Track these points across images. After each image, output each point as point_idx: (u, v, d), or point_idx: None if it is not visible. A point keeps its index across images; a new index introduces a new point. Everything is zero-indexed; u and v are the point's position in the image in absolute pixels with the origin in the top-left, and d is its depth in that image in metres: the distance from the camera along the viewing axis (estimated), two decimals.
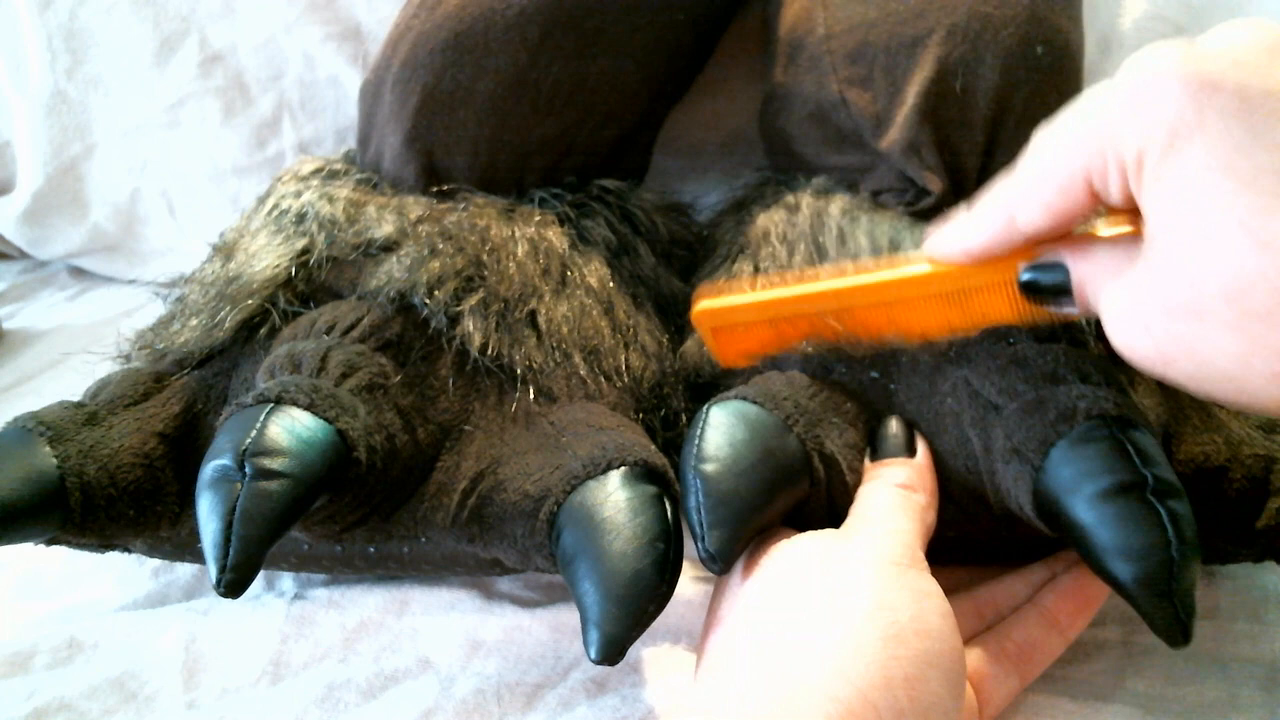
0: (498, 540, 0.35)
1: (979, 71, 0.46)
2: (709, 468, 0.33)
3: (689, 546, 0.32)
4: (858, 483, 0.36)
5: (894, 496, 0.34)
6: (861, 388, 0.39)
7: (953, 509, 0.36)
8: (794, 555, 0.32)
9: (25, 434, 0.34)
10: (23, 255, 0.78)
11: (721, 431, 0.34)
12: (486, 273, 0.43)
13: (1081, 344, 0.37)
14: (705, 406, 0.35)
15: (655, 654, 0.38)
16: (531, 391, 0.39)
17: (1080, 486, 0.29)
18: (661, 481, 0.33)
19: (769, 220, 0.48)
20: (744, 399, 0.35)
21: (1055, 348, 0.35)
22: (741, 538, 0.32)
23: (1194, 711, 0.34)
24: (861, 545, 0.32)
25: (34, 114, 0.70)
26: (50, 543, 0.36)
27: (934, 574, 0.32)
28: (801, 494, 0.34)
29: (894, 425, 0.37)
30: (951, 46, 0.46)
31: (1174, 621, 0.28)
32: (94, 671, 0.38)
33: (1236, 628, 0.37)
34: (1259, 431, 0.36)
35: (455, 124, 0.49)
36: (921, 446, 0.36)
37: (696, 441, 0.34)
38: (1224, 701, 0.34)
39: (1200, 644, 0.36)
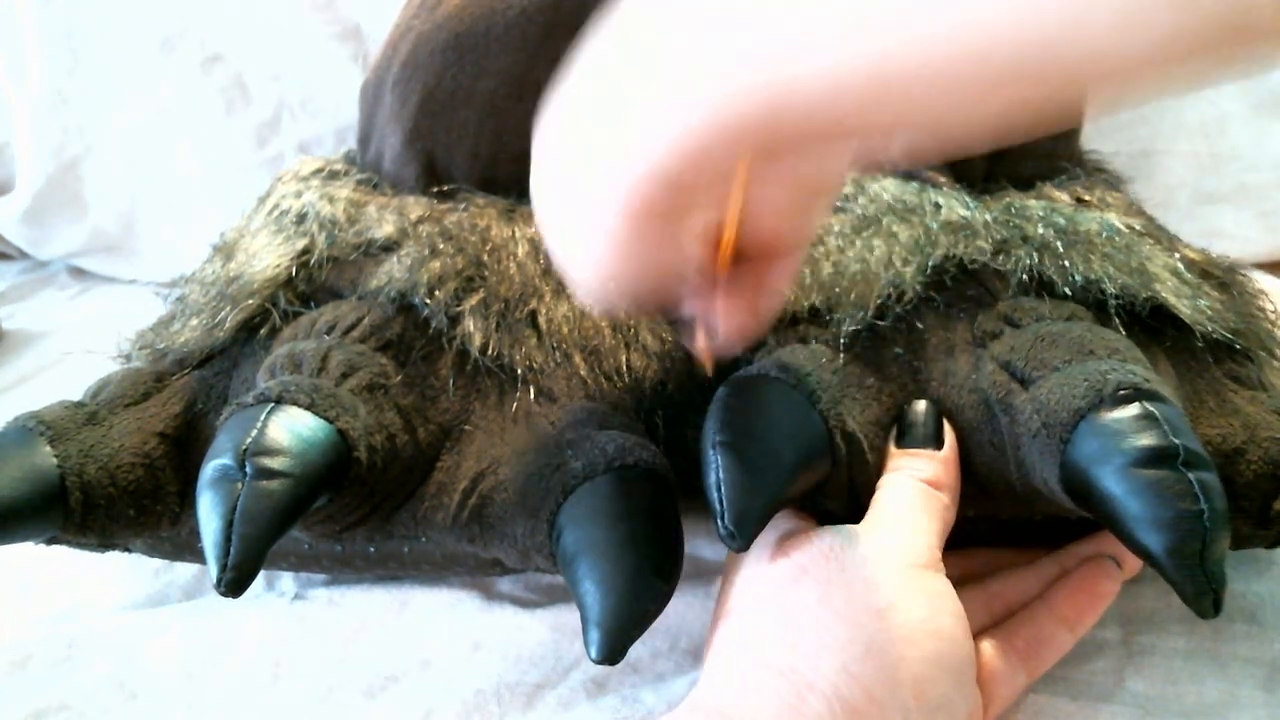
0: (498, 540, 0.35)
1: None
2: (729, 443, 0.32)
3: (690, 545, 0.32)
4: (879, 461, 0.35)
5: (917, 493, 0.33)
6: (885, 363, 0.38)
7: (974, 486, 0.35)
8: (808, 551, 0.32)
9: (25, 433, 0.34)
10: (23, 255, 0.78)
11: (743, 407, 0.33)
12: (487, 273, 0.43)
13: (1105, 323, 0.37)
14: (726, 381, 0.35)
15: (655, 654, 0.38)
16: (532, 391, 0.39)
17: (1110, 457, 0.29)
18: (662, 481, 0.33)
19: None
20: (766, 373, 0.35)
21: (1081, 325, 0.35)
22: (763, 515, 0.31)
23: (1194, 711, 0.34)
24: (879, 543, 0.31)
25: (34, 113, 0.70)
26: (50, 542, 0.36)
27: (948, 559, 0.32)
28: (823, 472, 0.34)
29: (922, 411, 0.36)
30: None
31: (1206, 592, 0.28)
32: (94, 671, 0.38)
33: (1235, 628, 0.37)
34: (1276, 416, 0.36)
35: (456, 124, 0.49)
36: (949, 438, 0.35)
37: (717, 417, 0.33)
38: (1224, 701, 0.34)
39: (1200, 644, 0.36)
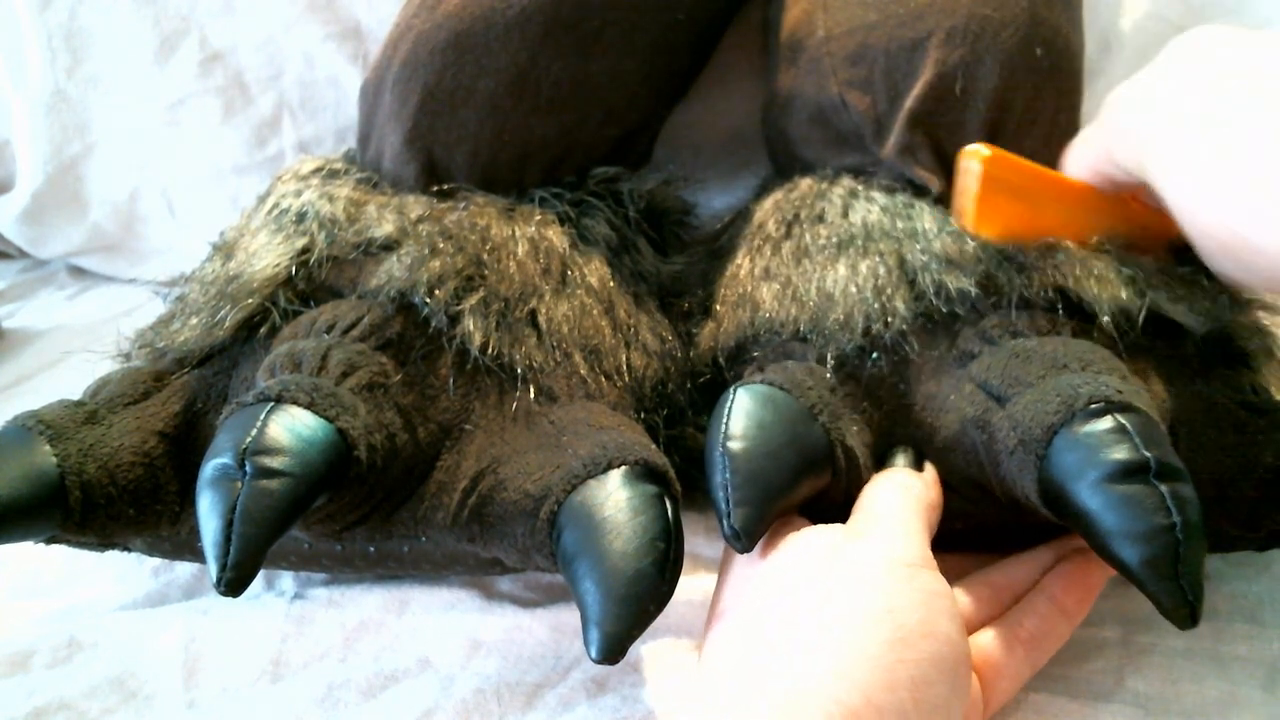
0: (498, 540, 0.35)
1: (979, 74, 0.46)
2: (737, 446, 0.33)
3: (690, 544, 0.32)
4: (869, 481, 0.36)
5: (904, 495, 0.34)
6: (873, 386, 0.39)
7: (959, 501, 0.36)
8: (803, 550, 0.32)
9: (25, 433, 0.34)
10: (22, 254, 0.78)
11: (749, 413, 0.34)
12: (487, 272, 0.43)
13: (1086, 335, 0.37)
14: (732, 388, 0.36)
15: (655, 653, 0.38)
16: (532, 391, 0.39)
17: (1084, 472, 0.30)
18: (662, 481, 0.33)
19: (765, 204, 0.48)
20: (771, 383, 0.35)
21: (1057, 340, 0.36)
22: (767, 517, 0.33)
23: (1194, 711, 0.34)
24: (873, 545, 0.32)
25: (34, 113, 0.70)
26: (50, 541, 0.36)
27: (943, 560, 0.32)
28: (824, 482, 0.35)
29: (903, 457, 0.37)
30: (951, 49, 0.46)
31: (1182, 603, 0.28)
32: (94, 671, 0.38)
33: (1235, 628, 0.37)
34: (1265, 419, 0.36)
35: (456, 123, 0.49)
36: (929, 467, 0.37)
37: (724, 421, 0.34)
38: (1224, 701, 0.34)
39: (1199, 644, 0.36)
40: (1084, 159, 0.42)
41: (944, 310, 0.39)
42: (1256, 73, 0.34)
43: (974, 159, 0.42)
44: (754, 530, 0.32)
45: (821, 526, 0.33)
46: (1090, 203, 0.42)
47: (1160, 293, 0.38)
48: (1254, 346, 0.39)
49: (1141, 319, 0.38)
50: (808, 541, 0.33)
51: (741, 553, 0.33)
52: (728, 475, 0.32)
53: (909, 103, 0.47)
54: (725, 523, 0.32)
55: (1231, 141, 0.33)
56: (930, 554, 0.32)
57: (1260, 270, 0.34)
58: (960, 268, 0.40)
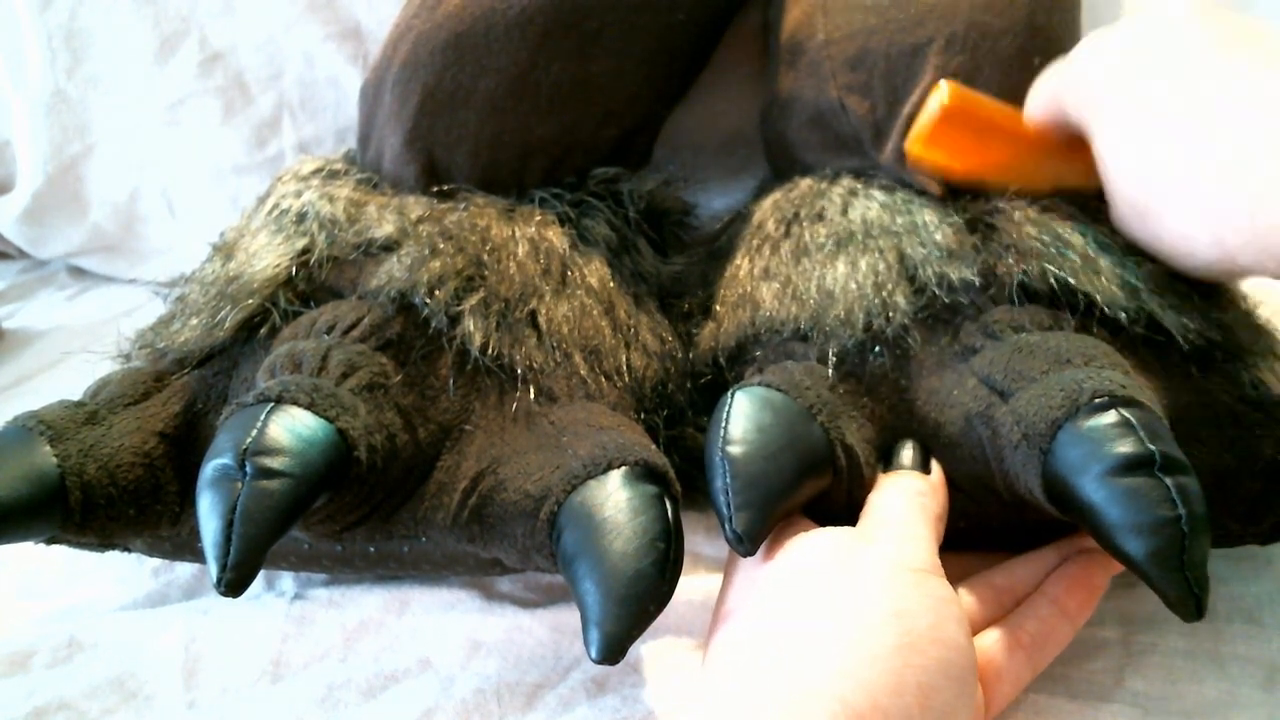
0: (498, 540, 0.35)
1: (977, 81, 0.46)
2: (736, 450, 0.33)
3: (690, 544, 0.32)
4: (875, 478, 0.36)
5: (912, 501, 0.34)
6: (874, 382, 0.39)
7: (963, 498, 0.36)
8: (810, 552, 0.32)
9: (25, 433, 0.34)
10: (22, 255, 0.78)
11: (748, 415, 0.34)
12: (487, 272, 0.43)
13: (1087, 330, 0.37)
14: (730, 391, 0.36)
15: (656, 653, 0.38)
16: (532, 391, 0.39)
17: (1089, 466, 0.30)
18: (662, 481, 0.33)
19: (764, 204, 0.48)
20: (768, 385, 0.36)
21: (1058, 334, 0.36)
22: (769, 520, 0.33)
23: (1194, 711, 0.34)
24: (881, 549, 0.32)
25: (34, 113, 0.70)
26: (50, 542, 0.36)
27: (945, 560, 0.32)
28: (825, 483, 0.35)
29: (909, 450, 0.37)
30: (951, 55, 0.46)
31: (1188, 595, 0.28)
32: (94, 671, 0.38)
33: (1235, 628, 0.37)
34: (1264, 413, 0.36)
35: (456, 124, 0.49)
36: (936, 467, 0.37)
37: (723, 425, 0.34)
38: (1223, 701, 0.34)
39: (1199, 644, 0.36)
40: (1040, 99, 0.42)
41: (945, 301, 0.40)
42: (1213, 43, 0.34)
43: (939, 92, 0.43)
44: (756, 534, 0.32)
45: (828, 529, 0.33)
46: (1043, 149, 0.43)
47: (1156, 298, 0.38)
48: (1252, 341, 0.39)
49: (1141, 320, 0.38)
50: (814, 544, 0.33)
51: (745, 556, 0.33)
52: (728, 480, 0.32)
53: (908, 108, 0.47)
54: (727, 527, 0.32)
55: (1158, 108, 0.34)
56: (938, 561, 0.32)
57: (1163, 243, 0.37)
58: (961, 258, 0.40)
